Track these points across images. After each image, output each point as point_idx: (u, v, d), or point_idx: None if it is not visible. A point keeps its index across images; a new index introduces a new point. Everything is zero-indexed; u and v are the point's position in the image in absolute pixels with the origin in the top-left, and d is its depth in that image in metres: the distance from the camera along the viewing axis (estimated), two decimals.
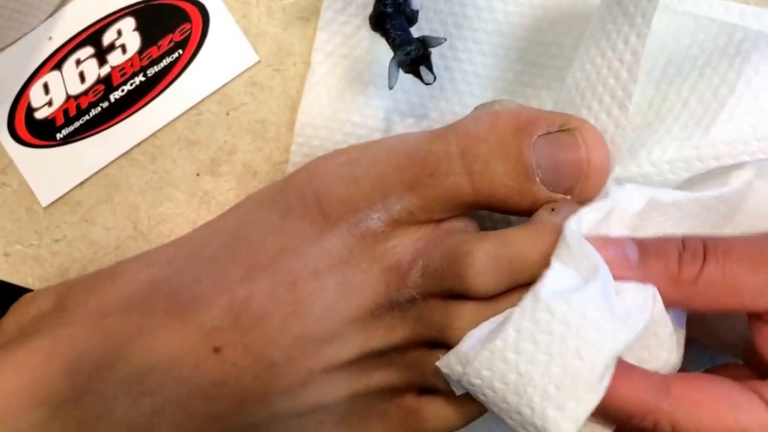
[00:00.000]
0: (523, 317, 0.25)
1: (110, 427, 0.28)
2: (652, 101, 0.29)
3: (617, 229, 0.27)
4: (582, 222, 0.27)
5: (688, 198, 0.27)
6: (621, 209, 0.27)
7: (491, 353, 0.26)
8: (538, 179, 0.28)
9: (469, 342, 0.27)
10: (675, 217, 0.28)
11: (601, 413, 0.26)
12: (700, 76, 0.29)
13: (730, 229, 0.28)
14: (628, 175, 0.28)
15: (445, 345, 0.29)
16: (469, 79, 0.34)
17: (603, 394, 0.25)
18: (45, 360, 0.29)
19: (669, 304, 0.26)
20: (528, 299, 0.26)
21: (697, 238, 0.27)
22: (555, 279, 0.26)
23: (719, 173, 0.28)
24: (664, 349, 0.27)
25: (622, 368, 0.26)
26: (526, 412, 0.26)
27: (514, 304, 0.28)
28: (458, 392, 0.29)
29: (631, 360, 0.26)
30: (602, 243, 0.27)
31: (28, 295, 0.33)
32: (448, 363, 0.27)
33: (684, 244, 0.27)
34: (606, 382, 0.25)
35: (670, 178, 0.28)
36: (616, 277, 0.26)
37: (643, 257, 0.27)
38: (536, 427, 0.26)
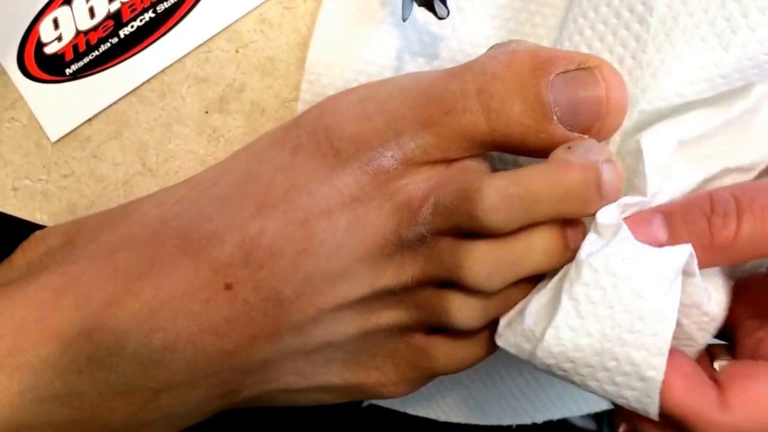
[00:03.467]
0: (572, 284, 0.26)
1: (121, 362, 0.29)
2: (676, 18, 0.29)
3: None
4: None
5: (713, 120, 0.27)
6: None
7: (556, 329, 0.26)
8: (555, 118, 0.28)
9: (529, 317, 0.27)
10: (703, 145, 0.28)
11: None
12: None
13: (752, 145, 0.28)
14: (652, 108, 0.28)
15: (456, 284, 0.29)
16: (482, 19, 0.33)
17: (675, 319, 0.25)
18: (55, 295, 0.29)
19: (706, 267, 0.27)
20: (571, 268, 0.26)
21: (725, 192, 0.27)
22: (590, 244, 0.27)
23: (742, 91, 0.28)
24: (708, 294, 0.27)
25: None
26: (612, 365, 0.26)
27: (524, 245, 0.28)
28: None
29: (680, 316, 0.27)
30: (631, 225, 0.27)
31: (38, 232, 0.34)
32: (514, 342, 0.27)
33: (712, 205, 0.27)
34: (671, 309, 0.25)
35: (695, 101, 0.28)
36: None
37: (673, 232, 0.27)
38: (627, 375, 0.26)
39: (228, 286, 0.29)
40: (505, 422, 0.43)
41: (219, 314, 0.29)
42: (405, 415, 0.43)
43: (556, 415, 0.43)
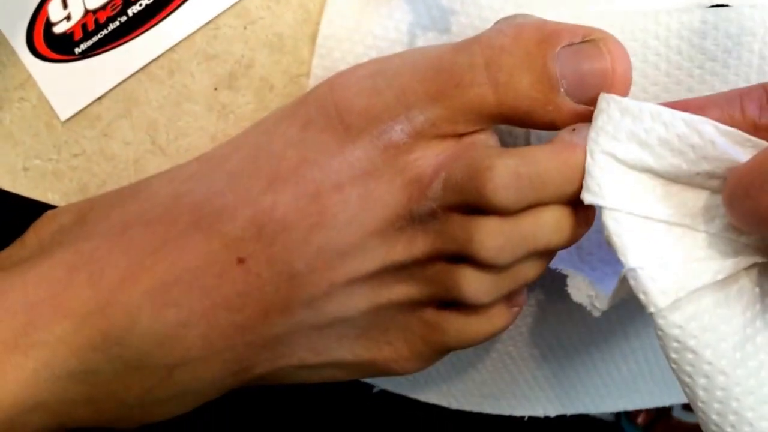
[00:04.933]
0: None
1: (135, 338, 0.29)
2: None
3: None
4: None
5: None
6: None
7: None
8: (562, 90, 0.28)
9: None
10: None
11: None
12: None
13: None
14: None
15: (467, 259, 0.29)
16: None
17: None
18: (68, 273, 0.29)
19: None
20: None
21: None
22: None
23: None
24: None
25: None
26: None
27: (534, 221, 0.28)
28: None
29: None
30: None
31: (50, 212, 0.34)
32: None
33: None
34: None
35: None
36: None
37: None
38: None
39: (240, 261, 0.29)
40: (518, 413, 0.43)
41: (232, 288, 0.29)
42: (416, 403, 0.43)
43: (569, 409, 0.43)
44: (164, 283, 0.29)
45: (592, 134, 0.27)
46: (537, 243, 0.29)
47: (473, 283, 0.29)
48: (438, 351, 0.32)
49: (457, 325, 0.31)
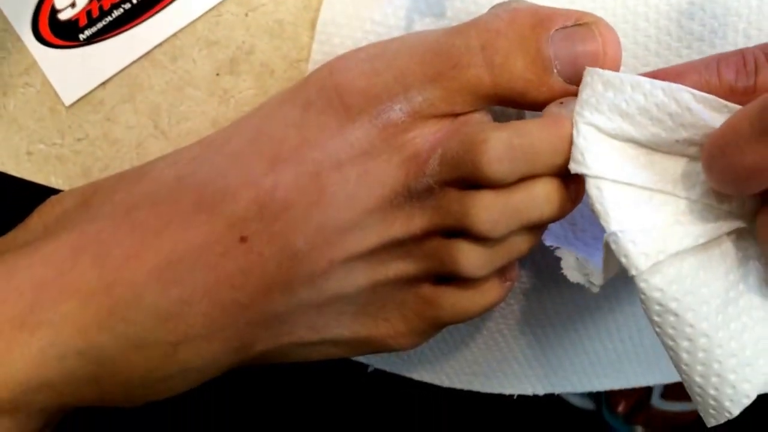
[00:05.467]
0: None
1: (140, 315, 0.29)
2: None
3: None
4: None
5: None
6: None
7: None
8: (555, 71, 0.29)
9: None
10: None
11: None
12: None
13: None
14: None
15: (463, 233, 0.30)
16: None
17: None
18: (73, 253, 0.30)
19: None
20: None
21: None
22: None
23: None
24: None
25: None
26: None
27: (527, 193, 0.29)
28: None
29: None
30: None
31: (54, 196, 0.34)
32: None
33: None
34: None
35: None
36: None
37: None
38: None
39: (243, 239, 0.30)
40: (508, 391, 0.44)
41: (234, 266, 0.30)
42: (410, 382, 0.44)
43: (558, 388, 0.44)
44: (168, 261, 0.29)
45: (576, 107, 0.28)
46: (530, 215, 0.29)
47: (469, 257, 0.30)
48: (433, 326, 0.33)
49: (452, 299, 0.32)
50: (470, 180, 0.29)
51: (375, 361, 0.42)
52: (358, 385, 0.46)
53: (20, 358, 0.29)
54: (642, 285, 0.26)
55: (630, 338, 0.42)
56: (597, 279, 0.30)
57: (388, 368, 0.42)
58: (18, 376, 0.29)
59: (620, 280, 0.27)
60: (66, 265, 0.30)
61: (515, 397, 0.44)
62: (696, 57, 0.32)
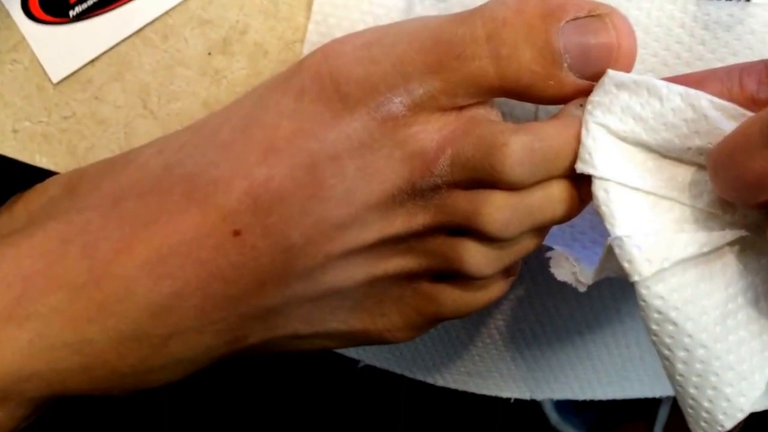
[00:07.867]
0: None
1: (130, 309, 0.29)
2: None
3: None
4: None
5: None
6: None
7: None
8: (565, 65, 0.28)
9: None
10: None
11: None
12: None
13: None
14: None
15: (469, 232, 0.29)
16: None
17: None
18: (61, 244, 0.29)
19: None
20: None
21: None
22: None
23: None
24: None
25: None
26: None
27: (542, 195, 0.28)
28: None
29: None
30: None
31: (40, 184, 0.34)
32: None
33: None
34: None
35: None
36: None
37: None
38: None
39: (236, 233, 0.29)
40: (505, 394, 0.43)
41: (227, 260, 0.29)
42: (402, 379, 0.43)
43: (558, 394, 0.43)
44: (159, 255, 0.29)
45: (588, 106, 0.27)
46: (543, 216, 0.29)
47: (476, 256, 0.29)
48: (431, 321, 0.32)
49: (453, 296, 0.31)
50: (485, 182, 0.28)
51: (366, 358, 0.41)
52: (350, 379, 0.45)
53: (9, 350, 0.28)
54: (643, 291, 0.26)
55: (637, 344, 0.41)
56: (586, 278, 0.30)
57: (379, 364, 0.41)
58: (7, 367, 0.28)
59: (626, 282, 0.27)
60: (54, 256, 0.29)
61: (512, 401, 0.42)
62: (708, 55, 0.31)
